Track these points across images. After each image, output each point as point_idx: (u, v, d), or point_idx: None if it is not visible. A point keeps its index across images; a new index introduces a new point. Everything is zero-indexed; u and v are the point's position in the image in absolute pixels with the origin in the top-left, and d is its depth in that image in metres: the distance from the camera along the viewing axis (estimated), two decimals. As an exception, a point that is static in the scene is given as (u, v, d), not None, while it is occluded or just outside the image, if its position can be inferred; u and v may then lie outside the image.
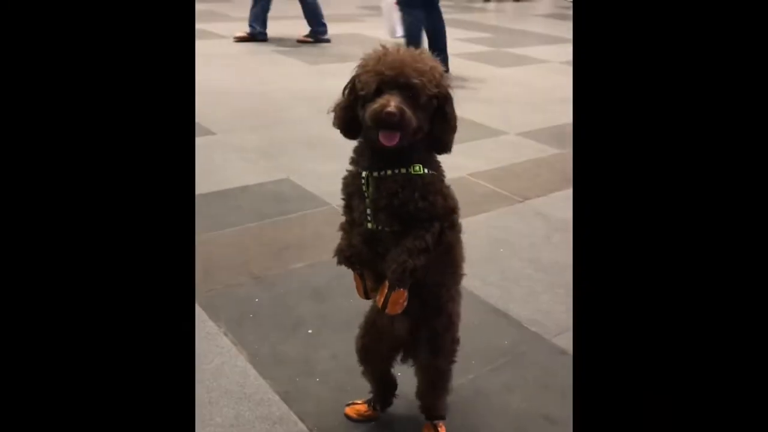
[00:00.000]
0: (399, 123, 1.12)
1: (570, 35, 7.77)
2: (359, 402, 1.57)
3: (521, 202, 2.87)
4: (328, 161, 3.20)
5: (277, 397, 1.60)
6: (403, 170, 1.19)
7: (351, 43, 6.45)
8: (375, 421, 1.55)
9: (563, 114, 4.24)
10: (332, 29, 6.66)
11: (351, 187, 1.25)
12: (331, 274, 2.12)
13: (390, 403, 1.56)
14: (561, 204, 2.85)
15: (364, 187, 1.21)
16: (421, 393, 1.47)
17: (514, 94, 4.85)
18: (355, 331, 1.47)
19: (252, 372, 1.68)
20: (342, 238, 1.29)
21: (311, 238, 2.44)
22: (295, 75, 5.17)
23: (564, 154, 3.53)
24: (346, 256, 1.27)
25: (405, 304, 1.25)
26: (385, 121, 1.12)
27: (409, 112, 1.12)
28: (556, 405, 1.62)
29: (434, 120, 1.19)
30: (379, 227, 1.22)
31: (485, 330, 1.92)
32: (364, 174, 1.21)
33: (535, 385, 1.70)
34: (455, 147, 1.25)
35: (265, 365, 1.71)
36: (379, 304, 1.25)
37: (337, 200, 1.33)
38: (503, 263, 2.33)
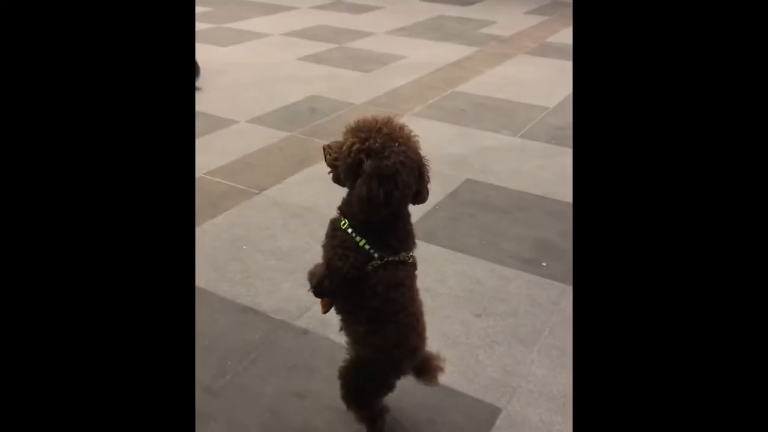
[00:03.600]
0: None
1: (290, 2, 8.04)
2: None
3: (258, 193, 3.11)
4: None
5: None
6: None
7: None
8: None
9: (289, 94, 4.53)
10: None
11: None
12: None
13: None
14: (294, 189, 3.16)
15: None
16: None
17: (241, 76, 4.98)
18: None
19: None
20: None
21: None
22: None
23: (293, 136, 3.83)
24: None
25: (323, 307, 1.61)
26: None
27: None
28: (304, 381, 1.94)
29: None
30: None
31: (237, 330, 2.16)
32: None
33: (284, 368, 2.00)
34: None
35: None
36: None
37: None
38: (247, 260, 2.57)
